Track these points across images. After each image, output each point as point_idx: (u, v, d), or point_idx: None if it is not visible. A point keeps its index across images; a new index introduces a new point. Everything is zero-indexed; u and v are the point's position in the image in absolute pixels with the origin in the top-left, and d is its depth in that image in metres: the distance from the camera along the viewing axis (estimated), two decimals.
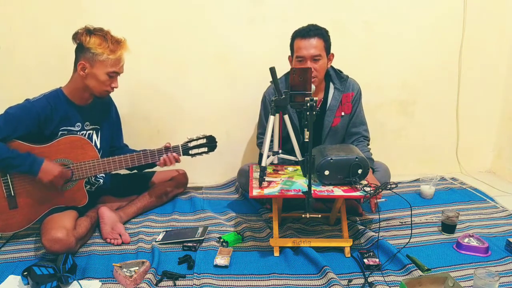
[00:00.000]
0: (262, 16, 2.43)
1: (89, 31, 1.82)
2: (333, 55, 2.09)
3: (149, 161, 2.01)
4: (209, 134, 2.09)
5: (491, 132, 2.84)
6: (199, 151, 2.08)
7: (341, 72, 2.16)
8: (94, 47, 1.80)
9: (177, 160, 2.05)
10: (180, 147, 2.05)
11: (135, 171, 2.22)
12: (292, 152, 1.85)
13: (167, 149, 2.04)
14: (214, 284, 1.58)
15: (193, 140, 2.07)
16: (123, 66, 1.90)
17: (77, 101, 1.92)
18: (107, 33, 1.84)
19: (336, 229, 1.99)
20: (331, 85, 2.13)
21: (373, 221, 2.07)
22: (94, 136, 2.00)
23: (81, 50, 1.83)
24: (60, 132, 1.87)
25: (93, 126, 1.99)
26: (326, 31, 2.03)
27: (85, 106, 1.95)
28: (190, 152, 2.07)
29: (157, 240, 1.90)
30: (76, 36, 1.84)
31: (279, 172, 1.95)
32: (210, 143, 2.09)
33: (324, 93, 2.14)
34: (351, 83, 2.15)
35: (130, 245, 1.87)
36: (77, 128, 1.92)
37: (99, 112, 2.02)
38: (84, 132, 1.95)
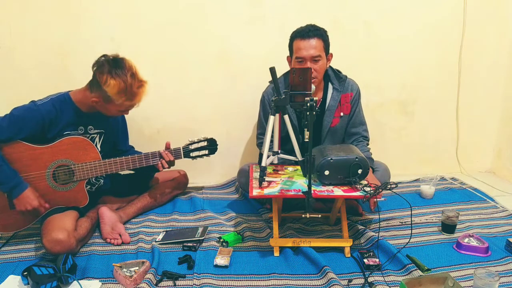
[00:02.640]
0: (262, 16, 2.43)
1: (111, 72, 1.74)
2: (331, 55, 2.09)
3: (150, 162, 2.01)
4: (210, 137, 2.09)
5: (491, 132, 2.84)
6: (200, 154, 2.08)
7: (339, 72, 2.16)
8: (112, 93, 1.75)
9: (171, 162, 2.05)
10: (181, 150, 2.05)
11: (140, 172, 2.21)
12: (292, 152, 1.85)
13: (166, 149, 2.04)
14: (214, 284, 1.58)
15: (194, 142, 2.07)
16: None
17: (84, 109, 1.90)
18: (128, 77, 1.75)
19: (336, 229, 1.99)
20: (330, 85, 2.13)
21: (373, 221, 2.07)
22: (97, 140, 1.99)
23: (98, 86, 1.77)
24: (63, 136, 1.86)
25: (98, 130, 1.98)
26: (325, 31, 2.03)
27: (92, 112, 1.93)
28: (191, 154, 2.07)
29: (157, 240, 1.90)
30: (96, 71, 1.77)
31: (279, 172, 1.95)
32: (211, 146, 2.09)
33: (323, 93, 2.14)
34: (350, 84, 2.15)
35: (130, 245, 1.87)
36: (80, 132, 1.91)
37: (105, 116, 2.00)
38: (88, 135, 1.94)
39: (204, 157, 2.10)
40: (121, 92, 1.76)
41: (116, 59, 1.79)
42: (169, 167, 2.07)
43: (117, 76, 1.75)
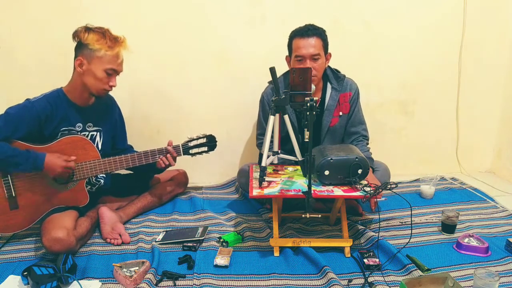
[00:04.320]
0: (262, 16, 2.43)
1: (88, 28, 1.83)
2: (330, 54, 2.09)
3: (150, 161, 2.01)
4: (209, 133, 2.10)
5: (491, 132, 2.84)
6: (199, 151, 2.08)
7: (338, 71, 2.16)
8: (92, 43, 1.79)
9: (173, 159, 2.05)
10: (181, 147, 2.05)
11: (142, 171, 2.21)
12: (292, 152, 1.85)
13: (167, 148, 2.04)
14: (214, 284, 1.58)
15: (193, 139, 2.07)
16: (122, 65, 1.88)
17: (77, 101, 1.91)
18: (106, 30, 1.84)
19: (336, 229, 1.99)
20: (329, 85, 2.13)
21: (373, 221, 2.07)
22: (97, 138, 1.99)
23: (79, 47, 1.84)
24: (61, 133, 1.87)
25: (96, 128, 1.99)
26: (324, 31, 2.04)
27: (87, 107, 1.94)
28: (190, 151, 2.07)
29: (157, 240, 1.90)
30: (75, 34, 1.84)
31: (279, 172, 1.95)
32: (210, 143, 2.09)
33: (322, 93, 2.14)
34: (349, 83, 2.15)
35: (130, 245, 1.87)
36: (78, 129, 1.92)
37: (102, 113, 2.01)
38: (86, 133, 1.95)
39: (204, 154, 2.09)
40: (101, 40, 1.80)
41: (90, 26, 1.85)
42: (169, 165, 2.06)
43: (95, 29, 1.83)
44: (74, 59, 1.86)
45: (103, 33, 1.82)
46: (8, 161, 1.72)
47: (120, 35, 1.87)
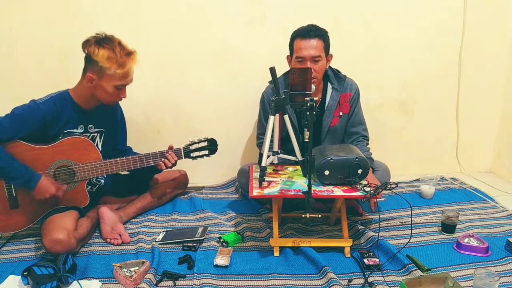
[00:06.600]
0: (262, 16, 2.43)
1: (98, 42, 1.78)
2: (331, 56, 2.09)
3: (151, 163, 2.01)
4: (210, 137, 2.10)
5: (491, 132, 2.84)
6: (200, 154, 2.09)
7: (339, 72, 2.16)
8: (102, 61, 1.77)
9: (174, 163, 2.05)
10: (182, 150, 2.06)
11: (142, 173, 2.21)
12: (292, 152, 1.85)
13: (169, 149, 2.04)
14: (214, 284, 1.58)
15: (195, 143, 2.08)
16: (132, 78, 1.88)
17: (83, 105, 1.90)
18: (116, 45, 1.79)
19: (336, 229, 2.00)
20: (329, 85, 2.13)
21: (373, 221, 2.07)
22: (97, 139, 1.99)
23: (89, 61, 1.81)
24: (63, 134, 1.86)
25: (98, 129, 1.99)
26: (326, 32, 2.03)
27: (91, 109, 1.94)
28: (191, 155, 2.08)
29: (157, 240, 1.90)
30: (85, 46, 1.81)
31: (279, 172, 1.95)
32: (211, 146, 2.10)
33: (322, 93, 2.14)
34: (349, 83, 2.15)
35: (130, 245, 1.87)
36: (80, 130, 1.91)
37: (105, 115, 2.01)
38: (88, 134, 1.95)
39: (205, 157, 2.10)
40: (111, 58, 1.77)
41: (103, 36, 1.82)
42: (171, 167, 2.07)
43: (105, 44, 1.79)
44: (84, 69, 1.84)
45: (113, 49, 1.78)
46: (3, 172, 1.71)
47: (131, 49, 1.84)
